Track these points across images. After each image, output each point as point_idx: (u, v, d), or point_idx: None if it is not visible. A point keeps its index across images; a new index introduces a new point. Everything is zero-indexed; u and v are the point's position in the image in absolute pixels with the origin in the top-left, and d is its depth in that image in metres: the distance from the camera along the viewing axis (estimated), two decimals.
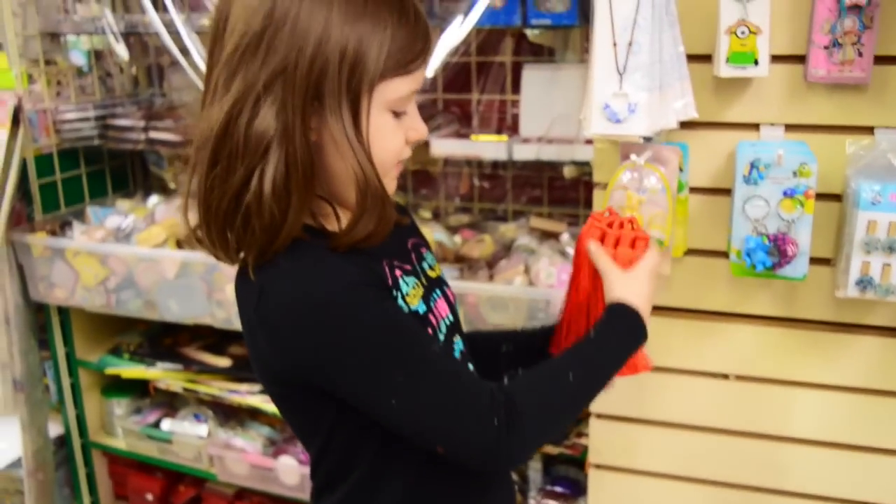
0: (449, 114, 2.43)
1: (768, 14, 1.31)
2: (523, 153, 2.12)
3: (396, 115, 1.06)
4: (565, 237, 2.13)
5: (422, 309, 1.12)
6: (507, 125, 2.40)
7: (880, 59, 1.34)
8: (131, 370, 2.49)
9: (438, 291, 1.20)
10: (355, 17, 0.99)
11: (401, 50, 1.02)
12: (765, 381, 1.53)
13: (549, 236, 2.19)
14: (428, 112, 2.33)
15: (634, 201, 1.37)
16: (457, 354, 1.18)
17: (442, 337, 1.14)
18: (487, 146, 2.19)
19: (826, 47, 1.33)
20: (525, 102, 2.24)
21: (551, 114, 2.15)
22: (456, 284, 1.96)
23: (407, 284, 1.11)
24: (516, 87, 2.32)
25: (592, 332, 1.17)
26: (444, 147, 2.20)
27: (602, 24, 1.24)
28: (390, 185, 1.11)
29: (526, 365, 1.12)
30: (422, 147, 2.17)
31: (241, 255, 1.05)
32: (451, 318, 1.20)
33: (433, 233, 2.19)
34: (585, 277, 1.24)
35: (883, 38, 1.32)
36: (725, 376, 1.55)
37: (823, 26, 1.32)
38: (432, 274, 1.22)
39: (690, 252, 1.50)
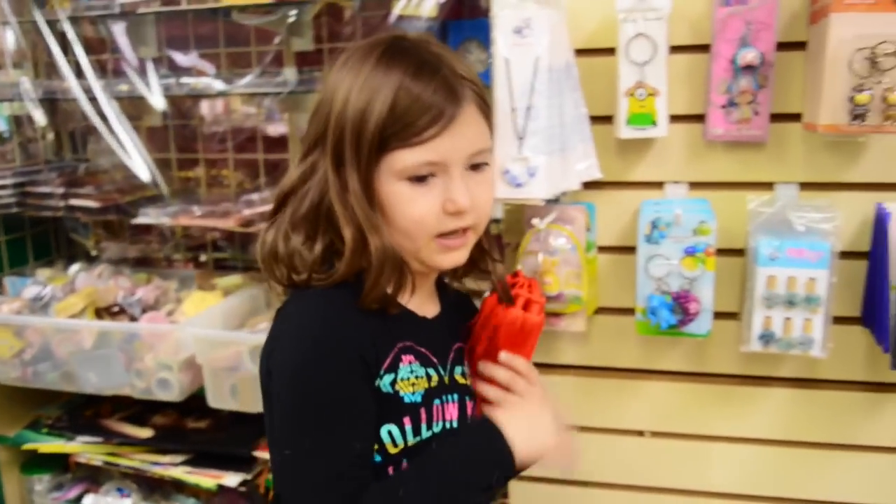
0: None
1: (665, 76, 1.34)
2: None
3: (421, 182, 1.06)
4: (487, 295, 2.12)
5: (411, 398, 1.11)
6: None
7: (777, 117, 1.38)
8: (50, 445, 2.40)
9: (456, 396, 1.19)
10: (364, 86, 1.04)
11: (396, 123, 1.03)
12: (679, 436, 1.54)
13: (473, 295, 2.18)
14: None
15: (549, 264, 1.38)
16: None
17: (428, 433, 1.13)
18: None
19: (723, 107, 1.37)
20: None
21: None
22: None
23: (411, 372, 1.11)
24: None
25: (451, 444, 1.14)
26: None
27: (501, 90, 1.26)
28: (434, 258, 1.12)
29: None
30: None
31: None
32: (455, 423, 1.18)
33: None
34: (482, 342, 1.24)
35: (778, 97, 1.37)
36: (640, 433, 1.55)
37: (720, 86, 1.36)
38: (461, 380, 1.22)
39: (601, 310, 1.51)
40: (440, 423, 1.16)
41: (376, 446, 1.10)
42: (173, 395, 2.13)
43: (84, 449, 2.38)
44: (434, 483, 1.09)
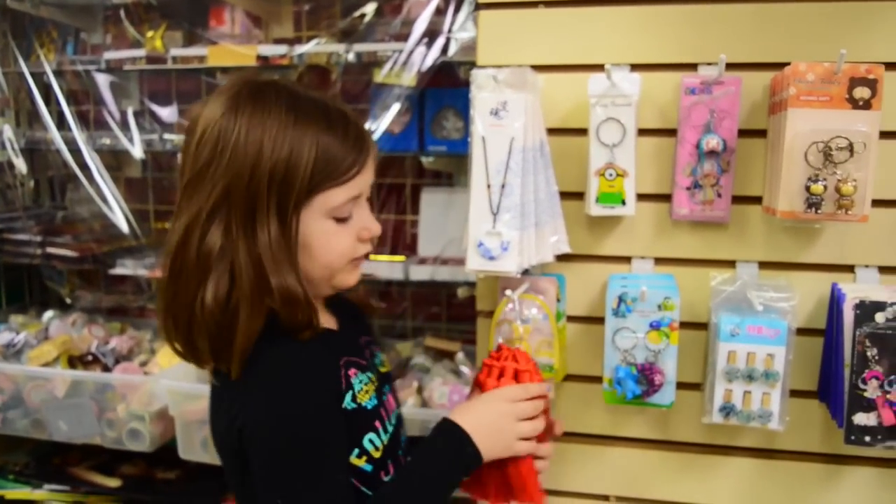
0: None
1: (633, 158, 1.41)
2: (419, 274, 2.18)
3: (341, 219, 1.17)
4: (460, 356, 2.17)
5: (371, 404, 1.20)
6: (407, 244, 2.47)
7: (739, 199, 1.45)
8: (16, 492, 2.40)
9: (388, 387, 1.30)
10: (283, 141, 1.10)
11: (328, 165, 1.13)
12: (643, 501, 1.58)
13: (444, 355, 2.24)
14: None
15: (521, 331, 1.44)
16: (402, 451, 1.28)
17: (392, 428, 1.25)
18: (384, 266, 2.24)
19: (688, 188, 1.44)
20: (423, 223, 2.32)
21: (447, 235, 2.23)
22: None
23: (360, 382, 1.20)
24: (415, 208, 2.41)
25: (413, 454, 1.24)
26: None
27: (478, 167, 1.32)
28: (346, 279, 1.23)
29: None
30: None
31: (207, 359, 1.16)
32: (398, 410, 1.31)
33: None
34: None
35: (740, 181, 1.44)
36: (606, 498, 1.60)
37: (685, 169, 1.43)
38: (382, 370, 1.32)
39: (570, 377, 1.56)
40: (393, 415, 1.28)
41: (365, 458, 1.20)
42: (144, 445, 2.15)
43: (51, 497, 2.38)
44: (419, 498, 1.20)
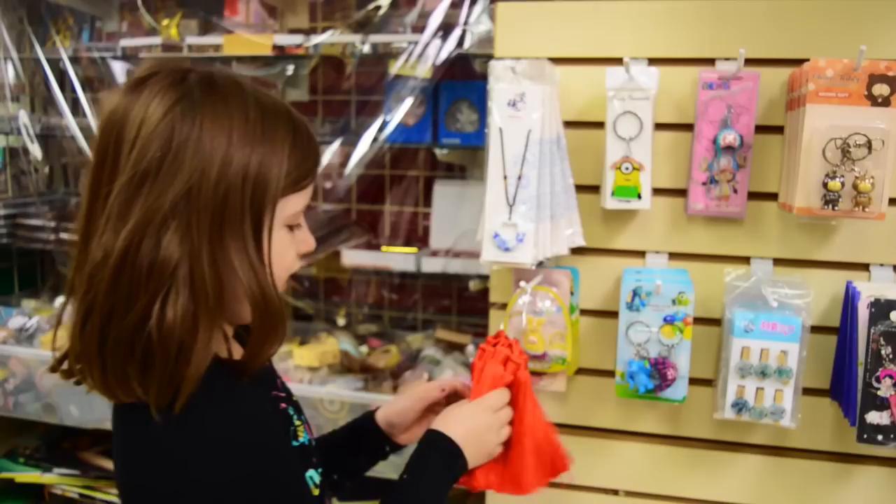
0: (357, 226, 2.48)
1: (650, 152, 1.41)
2: (431, 266, 2.18)
3: (290, 229, 1.07)
4: (470, 349, 2.18)
5: (306, 439, 1.14)
6: (419, 236, 2.47)
7: (755, 195, 1.45)
8: (26, 475, 2.41)
9: (303, 415, 1.19)
10: (253, 140, 0.98)
11: (296, 168, 1.03)
12: (653, 496, 1.58)
13: (454, 347, 2.24)
14: (341, 222, 2.38)
15: (535, 324, 1.44)
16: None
17: (321, 460, 1.17)
18: (397, 257, 2.24)
19: (704, 183, 1.44)
20: (435, 216, 2.32)
21: (460, 228, 2.23)
22: (359, 395, 1.99)
23: (293, 417, 1.14)
24: (428, 201, 2.41)
25: (404, 470, 1.18)
26: (355, 258, 2.25)
27: (494, 159, 1.32)
28: None
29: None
30: (333, 256, 2.23)
31: (140, 391, 0.96)
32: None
33: (339, 343, 2.22)
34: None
35: (756, 177, 1.44)
36: (616, 492, 1.60)
37: (701, 164, 1.43)
38: (294, 398, 1.21)
39: (582, 371, 1.56)
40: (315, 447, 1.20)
41: None
42: None
43: (60, 481, 2.40)
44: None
